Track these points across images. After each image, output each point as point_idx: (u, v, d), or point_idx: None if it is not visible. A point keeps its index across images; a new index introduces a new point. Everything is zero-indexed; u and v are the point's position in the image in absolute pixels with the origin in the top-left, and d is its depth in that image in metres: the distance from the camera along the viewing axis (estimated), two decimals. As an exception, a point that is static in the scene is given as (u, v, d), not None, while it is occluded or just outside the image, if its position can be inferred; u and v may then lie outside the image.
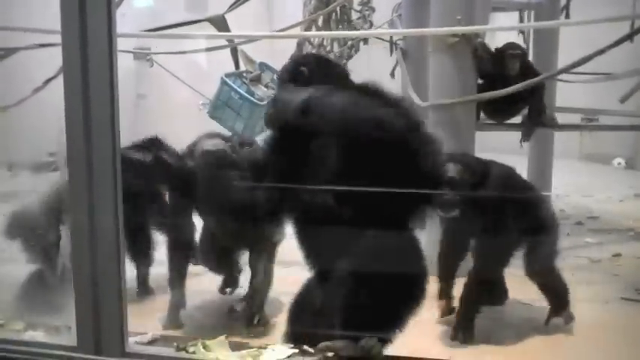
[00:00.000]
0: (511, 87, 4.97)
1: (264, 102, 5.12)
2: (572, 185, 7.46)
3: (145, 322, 2.67)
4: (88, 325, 2.22)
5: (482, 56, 5.06)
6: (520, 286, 3.96)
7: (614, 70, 5.46)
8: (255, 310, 3.61)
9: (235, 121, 4.99)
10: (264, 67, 5.60)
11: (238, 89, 5.18)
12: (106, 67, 2.17)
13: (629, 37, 5.05)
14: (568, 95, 5.97)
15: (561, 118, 5.99)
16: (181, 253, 3.68)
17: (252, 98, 5.10)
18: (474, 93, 4.91)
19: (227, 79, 5.22)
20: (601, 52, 4.83)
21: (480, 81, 5.19)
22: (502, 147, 7.31)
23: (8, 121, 6.83)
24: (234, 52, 5.85)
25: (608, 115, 6.61)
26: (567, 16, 6.71)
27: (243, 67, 5.77)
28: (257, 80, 5.47)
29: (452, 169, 3.48)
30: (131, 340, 2.32)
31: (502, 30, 7.34)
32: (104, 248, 2.20)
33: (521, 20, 6.83)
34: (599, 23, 5.41)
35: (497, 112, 5.65)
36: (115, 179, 2.20)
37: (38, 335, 2.49)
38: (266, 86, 5.42)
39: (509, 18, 7.36)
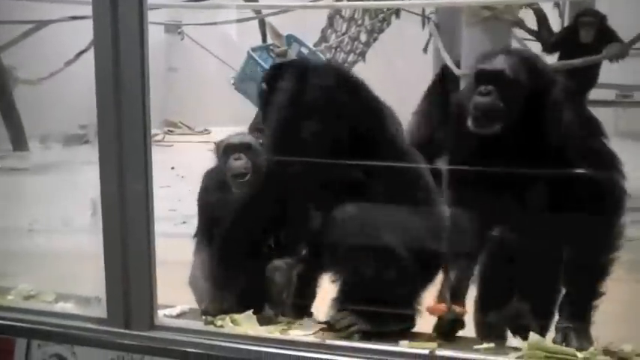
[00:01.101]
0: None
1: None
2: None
3: (174, 294, 2.67)
4: (117, 297, 2.24)
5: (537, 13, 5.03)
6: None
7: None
8: None
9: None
10: (292, 39, 5.56)
11: (263, 63, 5.15)
12: (137, 40, 2.16)
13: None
14: (602, 70, 5.85)
15: (596, 94, 5.88)
16: None
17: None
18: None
19: (253, 53, 5.19)
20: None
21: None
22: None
23: (40, 93, 6.89)
24: (262, 25, 5.82)
25: (645, 91, 6.51)
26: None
27: (270, 40, 5.74)
28: (284, 55, 5.43)
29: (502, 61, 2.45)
30: (160, 313, 2.34)
31: (536, 2, 7.22)
32: (134, 221, 2.21)
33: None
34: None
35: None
36: (146, 151, 2.20)
37: (68, 307, 2.51)
38: (293, 59, 5.38)
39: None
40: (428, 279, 2.57)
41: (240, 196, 3.13)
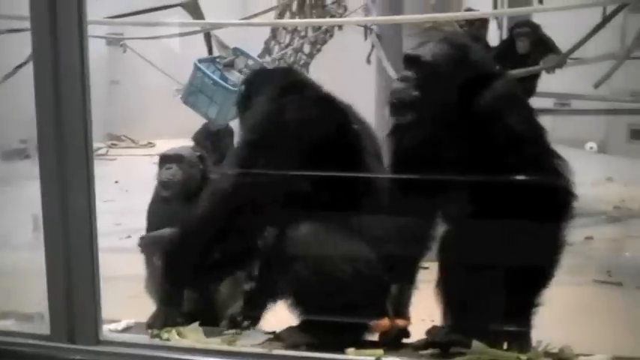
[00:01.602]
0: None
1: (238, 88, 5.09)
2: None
3: (119, 309, 2.65)
4: (61, 313, 2.21)
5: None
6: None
7: (584, 55, 5.51)
8: None
9: (209, 107, 4.96)
10: (238, 52, 5.56)
11: (211, 75, 5.14)
12: (77, 53, 2.15)
13: (607, 19, 5.10)
14: (541, 79, 5.99)
15: (534, 103, 6.02)
16: None
17: (225, 84, 5.06)
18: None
19: (200, 65, 5.18)
20: (590, 36, 4.91)
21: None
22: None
23: (-21, 107, 6.74)
24: (208, 37, 5.81)
25: (581, 99, 6.67)
26: (540, 2, 6.74)
27: (216, 52, 5.73)
28: (230, 66, 5.43)
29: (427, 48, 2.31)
30: (105, 327, 2.32)
31: (476, 17, 7.37)
32: (77, 236, 2.19)
33: (496, 6, 6.85)
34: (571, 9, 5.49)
35: None
36: (88, 165, 2.19)
37: (10, 324, 2.47)
38: (240, 72, 5.38)
39: (483, 3, 7.38)
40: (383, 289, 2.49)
41: (185, 208, 3.22)
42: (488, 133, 2.21)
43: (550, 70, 5.23)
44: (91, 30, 2.22)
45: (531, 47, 5.59)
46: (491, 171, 2.16)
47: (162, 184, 3.25)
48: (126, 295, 3.72)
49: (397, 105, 2.26)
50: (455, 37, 2.63)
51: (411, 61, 2.29)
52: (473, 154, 2.22)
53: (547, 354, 2.31)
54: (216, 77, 5.16)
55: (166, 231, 3.30)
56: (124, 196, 6.27)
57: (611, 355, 2.27)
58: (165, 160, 3.27)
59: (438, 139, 2.29)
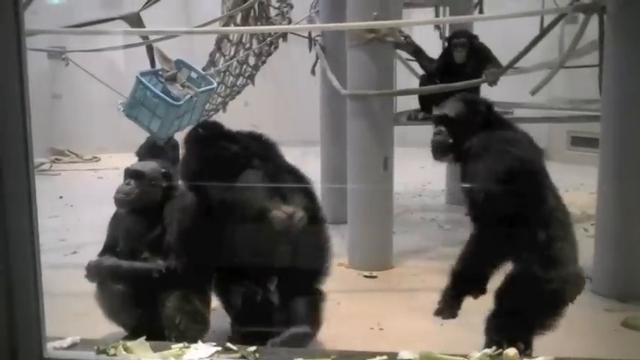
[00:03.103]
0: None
1: (181, 102, 5.06)
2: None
3: (64, 325, 2.61)
4: (3, 330, 2.16)
5: (412, 49, 5.27)
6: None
7: (524, 64, 5.63)
8: None
9: (151, 121, 4.91)
10: (181, 64, 5.53)
11: (153, 88, 5.09)
12: (16, 67, 2.11)
13: (546, 31, 5.22)
14: (482, 88, 6.10)
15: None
16: None
17: (167, 98, 5.02)
18: (391, 87, 5.00)
19: (142, 78, 5.13)
20: (530, 47, 5.03)
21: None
22: (421, 141, 7.45)
23: None
24: (150, 50, 5.76)
25: (522, 107, 6.80)
26: (481, 12, 6.88)
27: (159, 65, 5.69)
28: (173, 79, 5.39)
29: (451, 107, 3.16)
30: (49, 345, 2.27)
31: (417, 24, 7.49)
32: (19, 253, 2.14)
33: (437, 16, 6.95)
34: (511, 18, 5.60)
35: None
36: (29, 181, 2.15)
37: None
38: (182, 85, 5.35)
39: (425, 14, 7.49)
40: None
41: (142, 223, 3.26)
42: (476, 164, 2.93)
43: (491, 82, 5.33)
44: (32, 43, 2.19)
45: (467, 57, 5.69)
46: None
47: (116, 200, 3.26)
48: (71, 311, 3.67)
49: (439, 152, 3.11)
50: (469, 96, 3.46)
51: (439, 118, 3.11)
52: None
53: (492, 357, 2.34)
54: (157, 90, 5.11)
55: (110, 259, 3.30)
56: (69, 211, 6.17)
57: (553, 356, 2.31)
58: (126, 174, 3.30)
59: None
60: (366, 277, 4.71)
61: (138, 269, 3.20)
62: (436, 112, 3.17)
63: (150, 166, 3.38)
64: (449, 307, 3.16)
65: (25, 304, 2.15)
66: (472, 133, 3.01)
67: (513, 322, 2.97)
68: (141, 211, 3.30)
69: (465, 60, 5.67)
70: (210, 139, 3.40)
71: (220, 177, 3.23)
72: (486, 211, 2.84)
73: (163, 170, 3.34)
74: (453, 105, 3.15)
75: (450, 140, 3.05)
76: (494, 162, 2.89)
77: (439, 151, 3.10)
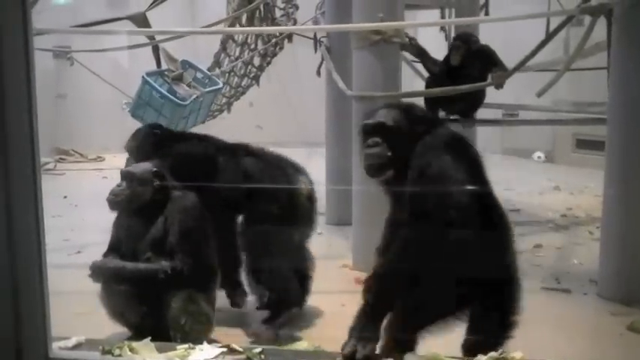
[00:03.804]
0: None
1: (187, 102, 5.06)
2: (494, 179, 7.61)
3: (68, 325, 2.61)
4: (8, 330, 2.16)
5: (417, 51, 5.27)
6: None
7: (530, 66, 5.62)
8: None
9: (157, 121, 4.92)
10: (186, 64, 5.53)
11: (160, 88, 5.10)
12: (23, 66, 2.11)
13: (553, 34, 5.21)
14: (488, 91, 6.09)
15: (483, 113, 6.12)
16: None
17: (173, 98, 5.03)
18: (397, 88, 4.99)
19: (148, 78, 5.13)
20: (536, 50, 5.01)
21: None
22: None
23: None
24: (156, 50, 5.77)
25: (527, 110, 6.80)
26: (487, 14, 6.86)
27: (165, 65, 5.69)
28: (179, 79, 5.40)
29: (387, 114, 2.71)
30: (55, 345, 2.27)
31: (423, 26, 7.48)
32: (25, 252, 2.14)
33: (443, 18, 6.94)
34: (517, 20, 5.59)
35: (456, 106, 5.76)
36: (35, 180, 2.14)
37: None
38: (188, 85, 5.36)
39: (431, 16, 7.48)
40: None
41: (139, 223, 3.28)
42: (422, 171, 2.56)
43: (498, 85, 5.31)
44: (38, 42, 2.18)
45: (465, 60, 5.67)
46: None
47: (108, 201, 3.31)
48: (75, 311, 3.66)
49: (375, 167, 2.65)
50: (399, 103, 3.19)
51: (374, 127, 2.68)
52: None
53: (497, 360, 2.33)
54: (163, 90, 5.12)
55: (114, 260, 3.31)
56: (73, 211, 6.17)
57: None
58: (120, 176, 3.34)
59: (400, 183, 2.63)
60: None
61: (142, 270, 3.20)
62: (368, 120, 2.73)
63: (142, 166, 3.42)
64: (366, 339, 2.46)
65: (30, 303, 2.15)
66: (412, 144, 2.61)
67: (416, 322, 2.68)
68: (140, 211, 3.32)
69: (460, 62, 5.66)
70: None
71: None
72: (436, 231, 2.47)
73: (154, 170, 3.36)
74: (388, 112, 2.72)
75: (389, 153, 2.62)
76: (454, 182, 2.53)
77: (378, 166, 2.64)
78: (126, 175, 3.34)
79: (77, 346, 2.43)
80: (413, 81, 6.85)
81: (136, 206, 3.33)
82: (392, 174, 2.63)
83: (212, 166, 3.86)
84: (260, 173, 3.86)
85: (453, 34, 6.61)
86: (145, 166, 3.39)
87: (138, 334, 3.06)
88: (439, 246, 2.46)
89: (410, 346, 2.64)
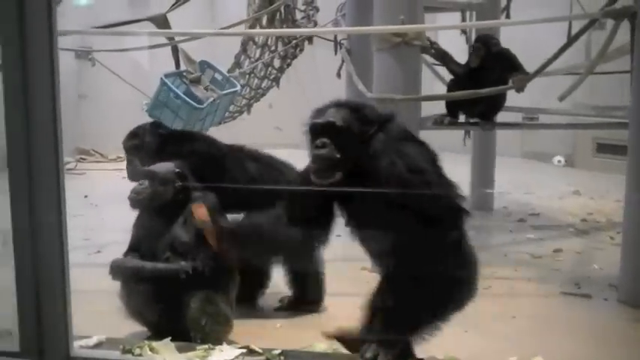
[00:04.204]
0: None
1: (203, 105, 5.08)
2: (514, 183, 7.59)
3: (88, 324, 2.62)
4: (31, 329, 2.18)
5: (439, 54, 5.26)
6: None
7: (550, 69, 5.58)
8: None
9: (174, 122, 4.93)
10: (205, 65, 5.54)
11: (177, 90, 5.11)
12: (47, 66, 2.13)
13: (576, 37, 5.18)
14: (509, 94, 6.07)
15: (503, 117, 6.09)
16: None
17: (189, 100, 5.04)
18: (417, 91, 4.98)
19: (166, 79, 5.15)
20: (558, 54, 4.98)
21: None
22: (445, 146, 7.42)
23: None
24: (175, 51, 5.79)
25: (548, 114, 6.76)
26: (508, 17, 6.82)
27: (184, 66, 5.71)
28: (197, 81, 5.41)
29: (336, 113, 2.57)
30: (76, 344, 2.29)
31: (444, 29, 7.45)
32: (47, 250, 2.16)
33: (464, 20, 6.91)
34: (538, 24, 5.56)
35: (475, 108, 5.73)
36: (58, 179, 2.16)
37: (-22, 341, 2.43)
38: (206, 88, 5.37)
39: (451, 19, 7.46)
40: None
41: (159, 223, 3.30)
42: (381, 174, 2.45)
43: (519, 89, 5.28)
44: (60, 43, 2.20)
45: (483, 61, 5.63)
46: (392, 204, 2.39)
47: (129, 200, 3.33)
48: (96, 310, 3.68)
49: (324, 170, 2.51)
50: (349, 100, 2.87)
51: (322, 128, 2.54)
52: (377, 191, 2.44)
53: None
54: (180, 92, 5.13)
55: (133, 259, 3.33)
56: (93, 210, 6.21)
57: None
58: (141, 175, 3.36)
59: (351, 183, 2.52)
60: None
61: (163, 270, 3.21)
62: (316, 119, 2.60)
63: (165, 166, 3.44)
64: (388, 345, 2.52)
65: (53, 302, 2.17)
66: (363, 144, 2.50)
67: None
68: (161, 211, 3.34)
69: (480, 64, 5.62)
70: None
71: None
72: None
73: (177, 170, 3.38)
74: (337, 111, 2.57)
75: (338, 155, 2.49)
76: (417, 183, 2.43)
77: (326, 168, 2.50)
78: (148, 175, 3.36)
79: (98, 345, 2.45)
80: (432, 84, 6.84)
81: (157, 205, 3.34)
82: (340, 176, 2.50)
83: (217, 166, 3.92)
84: (259, 173, 3.93)
85: (473, 37, 6.58)
86: (168, 166, 3.41)
87: (157, 333, 3.07)
88: (438, 241, 2.41)
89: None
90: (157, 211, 3.35)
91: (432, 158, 2.57)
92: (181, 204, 3.33)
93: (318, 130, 2.54)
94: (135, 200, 3.34)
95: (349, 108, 2.59)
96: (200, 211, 3.05)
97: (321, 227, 2.66)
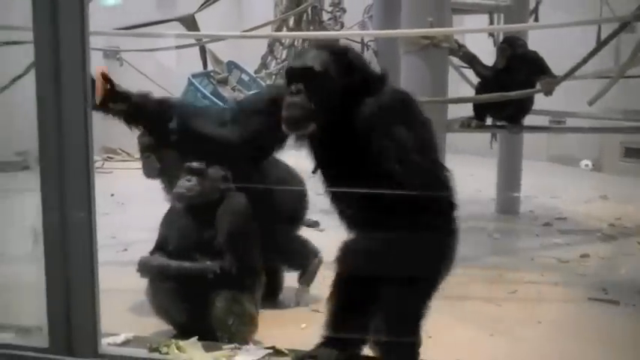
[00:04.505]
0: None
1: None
2: (540, 187, 7.54)
3: (115, 322, 2.64)
4: (59, 325, 2.20)
5: (467, 57, 5.24)
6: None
7: (579, 73, 5.54)
8: None
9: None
10: (232, 66, 5.57)
11: (204, 90, 5.14)
12: (79, 65, 2.15)
13: (606, 41, 5.13)
14: (536, 97, 6.03)
15: (529, 120, 6.05)
16: None
17: (216, 100, 5.07)
18: (444, 93, 4.95)
19: (194, 79, 5.18)
20: (588, 58, 4.94)
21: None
22: (472, 149, 7.40)
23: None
24: (203, 52, 5.82)
25: (575, 117, 6.70)
26: (536, 19, 6.78)
27: (211, 66, 5.74)
28: (224, 82, 5.45)
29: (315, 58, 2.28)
30: (104, 341, 2.31)
31: (471, 32, 7.41)
32: (77, 249, 2.18)
33: (491, 23, 6.88)
34: (567, 27, 5.52)
35: (503, 111, 5.70)
36: (89, 177, 2.18)
37: (8, 337, 2.46)
38: (233, 88, 5.39)
39: (479, 21, 7.43)
40: None
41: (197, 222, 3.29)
42: (368, 139, 2.18)
43: (547, 92, 5.25)
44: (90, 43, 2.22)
45: (509, 62, 5.60)
46: (374, 176, 2.15)
47: (177, 195, 3.30)
48: (123, 308, 3.71)
49: (295, 119, 2.24)
50: (333, 44, 2.60)
51: (299, 72, 2.26)
52: (358, 159, 2.20)
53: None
54: (207, 92, 5.16)
55: (160, 258, 3.33)
56: (120, 209, 6.25)
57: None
58: (188, 171, 3.32)
59: (330, 145, 2.28)
60: (413, 284, 4.67)
61: (189, 268, 3.22)
62: (294, 62, 2.33)
63: (211, 166, 3.42)
64: None
65: (82, 300, 2.19)
66: (345, 96, 2.22)
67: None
68: (195, 209, 3.33)
69: (506, 65, 5.59)
70: None
71: None
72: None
73: (223, 173, 3.37)
74: (317, 55, 2.27)
75: (312, 105, 2.21)
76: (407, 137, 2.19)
77: (298, 118, 2.22)
78: (198, 172, 3.33)
79: (125, 343, 2.46)
80: (459, 86, 6.81)
81: (200, 204, 3.32)
82: (314, 129, 2.23)
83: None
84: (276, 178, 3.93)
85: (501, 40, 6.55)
86: (214, 166, 3.40)
87: (183, 332, 3.09)
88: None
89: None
90: (189, 209, 3.34)
91: (427, 139, 2.31)
92: (215, 204, 3.33)
93: (294, 75, 2.26)
94: (183, 196, 3.31)
95: (332, 53, 2.29)
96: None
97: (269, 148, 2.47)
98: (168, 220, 3.46)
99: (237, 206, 3.32)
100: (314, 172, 2.39)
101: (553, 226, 6.20)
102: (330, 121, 2.23)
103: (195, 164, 3.35)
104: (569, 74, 5.13)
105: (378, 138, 2.16)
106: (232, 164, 3.27)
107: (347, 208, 2.33)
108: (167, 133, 2.43)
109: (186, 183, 3.31)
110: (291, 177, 3.98)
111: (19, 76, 5.13)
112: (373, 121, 2.18)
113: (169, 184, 3.73)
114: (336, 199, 2.35)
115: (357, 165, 2.18)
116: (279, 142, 2.42)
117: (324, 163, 2.34)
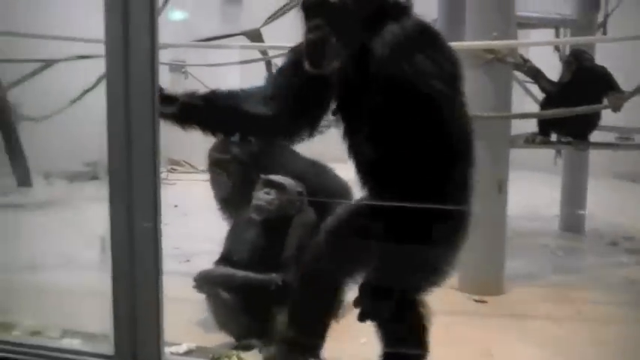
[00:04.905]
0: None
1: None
2: (605, 204, 7.37)
3: (180, 332, 2.68)
4: (125, 334, 2.24)
5: (532, 71, 5.18)
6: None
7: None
8: None
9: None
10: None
11: None
12: (149, 78, 2.20)
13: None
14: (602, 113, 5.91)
15: (596, 137, 5.93)
16: None
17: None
18: (508, 109, 4.89)
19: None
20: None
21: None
22: (535, 164, 7.28)
23: (45, 131, 6.93)
24: (269, 66, 5.88)
25: (642, 134, 6.55)
26: (604, 33, 6.65)
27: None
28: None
29: None
30: (167, 350, 2.34)
31: (537, 45, 7.31)
32: (143, 258, 2.22)
33: (557, 37, 6.77)
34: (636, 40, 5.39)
35: (568, 127, 5.62)
36: (155, 188, 2.22)
37: (75, 343, 2.51)
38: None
39: (545, 36, 7.32)
40: None
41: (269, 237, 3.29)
42: (390, 67, 2.08)
43: (615, 108, 5.14)
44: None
45: (574, 76, 5.51)
46: (395, 113, 2.07)
47: (257, 207, 3.29)
48: (185, 318, 3.76)
49: (318, 56, 2.16)
50: None
51: (315, 6, 2.17)
52: (381, 93, 2.10)
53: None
54: None
55: (223, 268, 3.35)
56: (183, 220, 6.34)
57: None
58: (266, 184, 3.33)
59: (352, 82, 2.18)
60: (476, 301, 4.61)
61: (252, 280, 3.24)
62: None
63: (290, 181, 3.42)
64: None
65: (146, 309, 2.22)
66: (366, 30, 2.10)
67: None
68: (268, 223, 3.33)
69: (571, 79, 5.50)
70: None
71: None
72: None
73: (299, 189, 3.38)
74: None
75: (334, 38, 2.12)
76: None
77: (321, 55, 2.14)
78: (278, 186, 3.34)
79: (188, 353, 2.49)
80: (523, 101, 6.72)
81: (276, 217, 3.32)
82: (338, 65, 2.15)
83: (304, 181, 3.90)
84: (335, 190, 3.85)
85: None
86: (291, 181, 3.40)
87: (244, 345, 3.10)
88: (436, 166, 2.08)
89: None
90: (262, 222, 3.34)
91: (452, 72, 2.24)
92: (289, 218, 3.33)
93: (311, 10, 2.17)
94: (263, 209, 3.31)
95: None
96: None
97: (309, 117, 2.39)
98: (234, 232, 3.47)
99: (308, 221, 3.31)
100: (334, 114, 2.32)
101: (619, 244, 6.06)
102: (352, 54, 2.13)
103: (274, 177, 3.35)
104: (638, 90, 5.01)
105: (401, 65, 2.05)
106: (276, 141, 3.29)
107: (365, 154, 2.22)
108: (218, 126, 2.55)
109: (266, 196, 3.30)
110: (341, 187, 3.86)
111: (90, 89, 5.26)
112: (395, 49, 2.07)
113: (231, 199, 3.74)
114: (355, 145, 2.26)
115: (379, 102, 2.09)
116: (320, 103, 2.33)
117: (345, 103, 2.25)
